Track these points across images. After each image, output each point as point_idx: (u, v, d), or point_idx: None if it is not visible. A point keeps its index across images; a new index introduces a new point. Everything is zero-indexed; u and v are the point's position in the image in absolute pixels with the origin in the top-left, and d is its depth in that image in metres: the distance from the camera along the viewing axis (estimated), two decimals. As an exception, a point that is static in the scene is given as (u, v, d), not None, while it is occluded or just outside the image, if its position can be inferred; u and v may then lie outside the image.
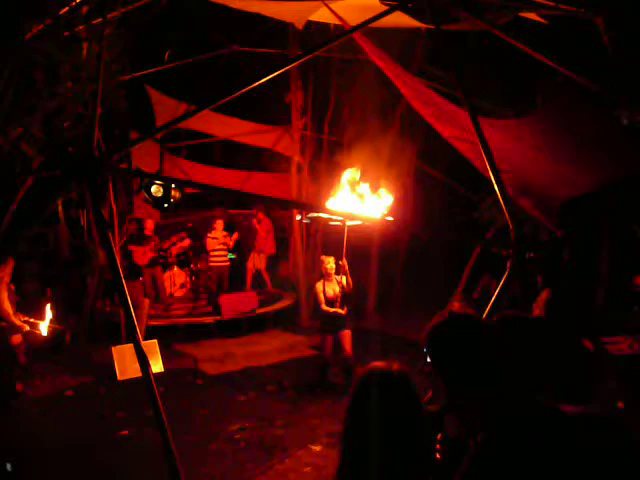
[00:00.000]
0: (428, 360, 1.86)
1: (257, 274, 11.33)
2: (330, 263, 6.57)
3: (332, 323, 6.48)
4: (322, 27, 6.68)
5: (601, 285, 8.24)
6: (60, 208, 6.98)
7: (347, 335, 6.48)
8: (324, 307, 6.48)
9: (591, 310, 7.97)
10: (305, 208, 8.98)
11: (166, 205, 2.98)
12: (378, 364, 1.56)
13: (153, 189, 3.01)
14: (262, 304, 9.99)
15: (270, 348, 8.50)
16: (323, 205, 5.40)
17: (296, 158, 10.31)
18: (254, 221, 11.13)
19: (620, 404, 5.43)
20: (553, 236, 4.77)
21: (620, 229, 7.61)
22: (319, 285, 6.61)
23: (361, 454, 1.46)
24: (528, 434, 1.47)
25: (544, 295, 2.86)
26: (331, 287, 6.55)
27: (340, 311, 6.39)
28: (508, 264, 2.68)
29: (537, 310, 2.89)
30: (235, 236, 10.62)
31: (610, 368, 4.41)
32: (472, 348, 1.62)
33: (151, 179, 2.86)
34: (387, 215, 5.18)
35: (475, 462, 1.44)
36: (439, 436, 1.64)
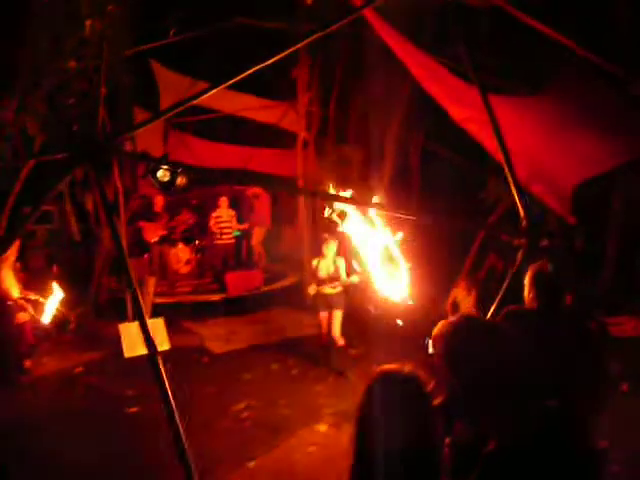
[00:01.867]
0: (430, 351, 1.85)
1: (253, 250, 11.36)
2: (330, 245, 6.50)
3: (324, 302, 6.53)
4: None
5: (608, 268, 8.22)
6: (66, 190, 6.96)
7: (336, 316, 6.54)
8: (311, 287, 6.54)
9: (597, 292, 7.97)
10: (310, 194, 8.92)
11: (172, 189, 2.92)
12: (390, 366, 1.55)
13: (159, 173, 2.95)
14: (267, 282, 10.01)
15: (275, 326, 8.53)
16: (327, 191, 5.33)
17: (302, 134, 10.20)
18: (250, 194, 11.09)
19: (624, 386, 5.44)
20: (563, 223, 4.70)
21: (630, 212, 7.54)
22: (314, 262, 6.62)
23: (374, 457, 1.45)
24: (540, 446, 1.46)
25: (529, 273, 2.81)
26: (325, 267, 6.53)
27: (328, 290, 6.42)
28: (519, 254, 2.64)
29: (526, 292, 2.84)
30: (245, 226, 10.61)
31: (614, 350, 4.40)
32: (490, 357, 1.60)
33: (158, 164, 2.80)
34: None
35: (486, 471, 1.43)
36: (448, 440, 1.63)
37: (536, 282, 2.80)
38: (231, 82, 3.30)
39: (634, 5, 5.31)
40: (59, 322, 7.34)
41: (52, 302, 6.44)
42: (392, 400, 1.45)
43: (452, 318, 1.86)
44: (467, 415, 1.68)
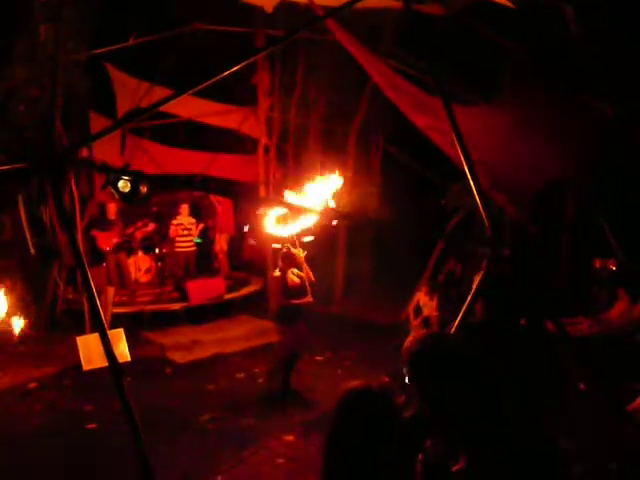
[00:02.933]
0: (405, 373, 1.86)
1: (216, 257, 11.23)
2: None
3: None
4: (288, 5, 6.48)
5: (563, 268, 8.50)
6: (21, 200, 6.70)
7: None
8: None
9: (552, 293, 8.22)
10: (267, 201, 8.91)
11: (133, 200, 2.83)
12: (357, 384, 1.55)
13: (120, 184, 2.86)
14: (229, 289, 9.90)
15: (238, 334, 8.43)
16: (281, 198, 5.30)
17: (263, 140, 10.14)
18: (214, 201, 10.97)
19: (582, 386, 5.63)
20: (524, 232, 4.84)
21: (581, 216, 7.83)
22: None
23: (344, 474, 1.45)
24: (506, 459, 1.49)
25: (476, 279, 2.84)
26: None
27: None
28: (483, 263, 2.68)
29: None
30: (201, 226, 10.46)
31: (571, 350, 4.54)
32: (452, 368, 1.63)
33: (118, 174, 2.71)
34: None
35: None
36: (420, 457, 1.64)
37: (484, 292, 2.81)
38: (194, 90, 3.26)
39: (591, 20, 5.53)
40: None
41: None
42: (360, 420, 1.45)
43: (417, 334, 1.88)
44: (436, 431, 1.70)
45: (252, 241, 11.73)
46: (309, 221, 5.36)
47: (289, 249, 5.74)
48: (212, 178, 11.45)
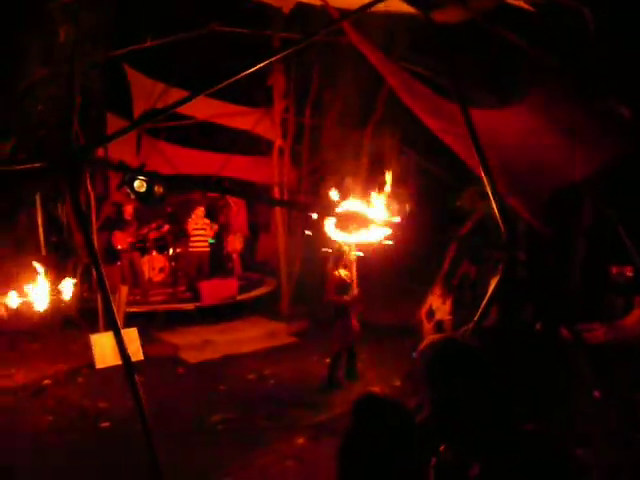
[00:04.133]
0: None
1: (229, 257, 11.26)
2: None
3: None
4: (305, 7, 6.48)
5: (578, 274, 8.38)
6: (38, 199, 6.78)
7: None
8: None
9: (567, 299, 8.11)
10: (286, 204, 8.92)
11: (149, 200, 2.85)
12: (373, 390, 1.54)
13: (136, 184, 2.88)
14: (242, 290, 9.92)
15: (250, 335, 8.45)
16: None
17: (277, 141, 10.16)
18: (230, 201, 11.02)
19: (596, 393, 5.55)
20: (539, 236, 4.79)
21: (598, 220, 7.71)
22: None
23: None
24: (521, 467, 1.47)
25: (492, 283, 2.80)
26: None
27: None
28: (499, 267, 2.65)
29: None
30: (215, 228, 10.52)
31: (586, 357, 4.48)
32: (465, 373, 1.61)
33: (134, 174, 2.73)
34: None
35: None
36: (433, 462, 1.63)
37: (499, 296, 2.78)
38: (210, 91, 3.28)
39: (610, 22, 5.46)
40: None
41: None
42: (378, 426, 1.43)
43: (432, 337, 1.86)
44: (449, 436, 1.68)
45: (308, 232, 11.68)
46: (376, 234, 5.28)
47: (340, 249, 6.11)
48: (226, 179, 11.50)
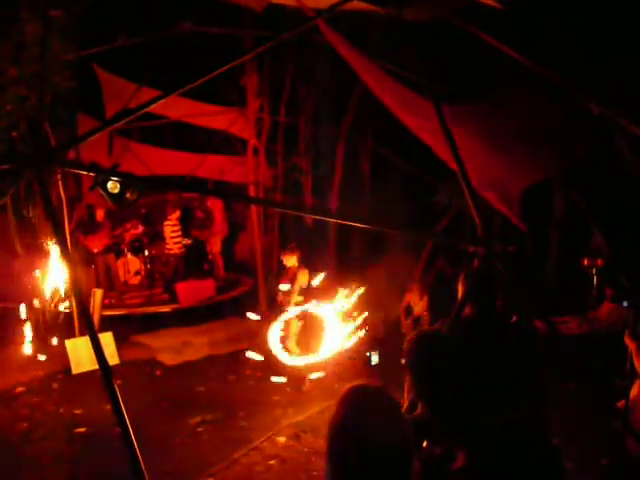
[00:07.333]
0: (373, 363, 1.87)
1: (211, 258, 11.17)
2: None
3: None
4: (278, 8, 6.47)
5: (551, 267, 8.58)
6: (9, 201, 6.62)
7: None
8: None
9: (542, 291, 8.28)
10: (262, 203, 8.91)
11: (123, 202, 2.80)
12: (359, 383, 1.54)
13: (109, 185, 2.83)
14: (220, 291, 9.85)
15: (229, 336, 8.39)
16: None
17: (252, 140, 10.11)
18: (210, 206, 10.93)
19: (571, 385, 5.66)
20: (516, 231, 4.87)
21: (570, 214, 7.90)
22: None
23: (349, 470, 1.44)
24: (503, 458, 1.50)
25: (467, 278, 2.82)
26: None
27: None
28: (475, 262, 2.69)
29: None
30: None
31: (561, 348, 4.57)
32: (443, 366, 1.63)
33: (107, 176, 2.68)
34: None
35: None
36: (421, 454, 1.64)
37: (475, 290, 2.78)
38: (182, 90, 3.24)
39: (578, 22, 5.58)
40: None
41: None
42: (366, 413, 1.44)
43: (410, 335, 1.89)
44: (434, 430, 1.70)
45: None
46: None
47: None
48: (201, 179, 11.41)
